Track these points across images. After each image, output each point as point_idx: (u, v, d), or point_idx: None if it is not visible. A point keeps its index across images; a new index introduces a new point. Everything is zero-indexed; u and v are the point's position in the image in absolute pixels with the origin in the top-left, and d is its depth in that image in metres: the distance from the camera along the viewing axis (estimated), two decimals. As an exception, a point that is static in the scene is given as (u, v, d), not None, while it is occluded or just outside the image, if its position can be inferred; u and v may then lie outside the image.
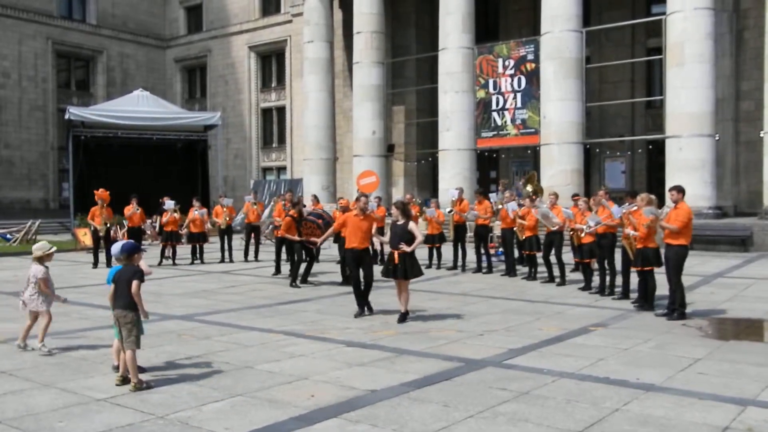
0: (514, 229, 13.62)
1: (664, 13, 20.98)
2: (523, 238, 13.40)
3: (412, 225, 9.15)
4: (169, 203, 17.37)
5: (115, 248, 6.50)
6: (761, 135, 19.98)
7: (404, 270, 8.97)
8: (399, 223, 9.20)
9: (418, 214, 14.11)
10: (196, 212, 17.20)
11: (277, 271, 14.48)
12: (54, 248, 7.49)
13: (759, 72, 21.13)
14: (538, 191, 17.33)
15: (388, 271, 9.21)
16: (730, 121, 23.21)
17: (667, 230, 9.02)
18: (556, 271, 12.65)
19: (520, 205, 13.70)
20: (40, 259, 7.28)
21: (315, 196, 17.30)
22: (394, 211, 9.34)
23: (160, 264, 16.50)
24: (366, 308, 9.60)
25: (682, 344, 7.54)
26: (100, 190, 16.77)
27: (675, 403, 5.41)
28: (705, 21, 19.77)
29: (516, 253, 14.25)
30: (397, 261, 8.97)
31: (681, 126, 20.03)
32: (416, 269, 9.12)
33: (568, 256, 13.37)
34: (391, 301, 10.12)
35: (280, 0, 37.88)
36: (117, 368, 6.22)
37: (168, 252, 17.32)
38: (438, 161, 25.42)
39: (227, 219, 17.66)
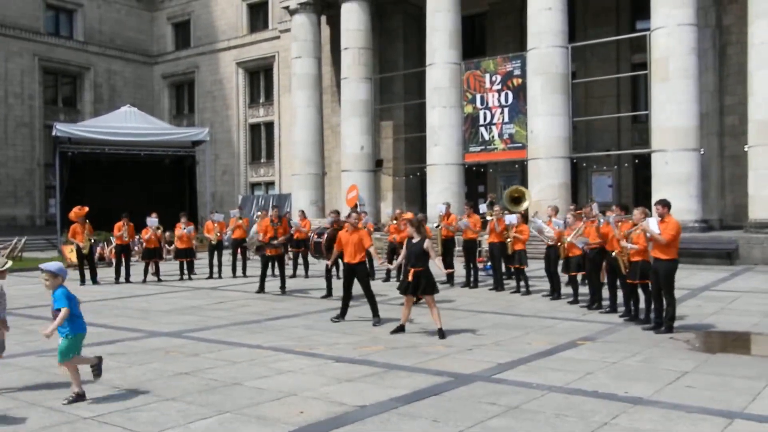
0: (507, 241, 13.52)
1: (648, 29, 21.21)
2: (512, 252, 13.41)
3: (427, 243, 9.12)
4: (152, 221, 17.16)
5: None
6: (746, 149, 20.16)
7: (416, 287, 8.96)
8: (414, 240, 9.17)
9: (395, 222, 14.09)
10: (183, 229, 17.17)
11: (261, 289, 14.09)
12: (9, 263, 6.76)
13: (742, 87, 21.37)
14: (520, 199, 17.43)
15: (402, 288, 9.25)
16: (714, 136, 23.46)
17: (655, 244, 9.06)
18: (564, 288, 12.65)
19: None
20: None
21: (302, 212, 17.31)
22: (408, 229, 9.36)
23: (144, 281, 16.58)
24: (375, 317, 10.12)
25: (670, 357, 7.57)
26: (76, 207, 16.65)
27: (663, 416, 5.43)
28: (689, 37, 20.02)
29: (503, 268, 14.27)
30: (411, 278, 8.97)
31: (666, 140, 20.22)
32: (430, 286, 9.04)
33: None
34: (383, 317, 10.11)
35: (267, 16, 38.03)
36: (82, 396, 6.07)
37: (152, 269, 17.24)
38: (426, 176, 25.50)
39: (218, 234, 17.61)
